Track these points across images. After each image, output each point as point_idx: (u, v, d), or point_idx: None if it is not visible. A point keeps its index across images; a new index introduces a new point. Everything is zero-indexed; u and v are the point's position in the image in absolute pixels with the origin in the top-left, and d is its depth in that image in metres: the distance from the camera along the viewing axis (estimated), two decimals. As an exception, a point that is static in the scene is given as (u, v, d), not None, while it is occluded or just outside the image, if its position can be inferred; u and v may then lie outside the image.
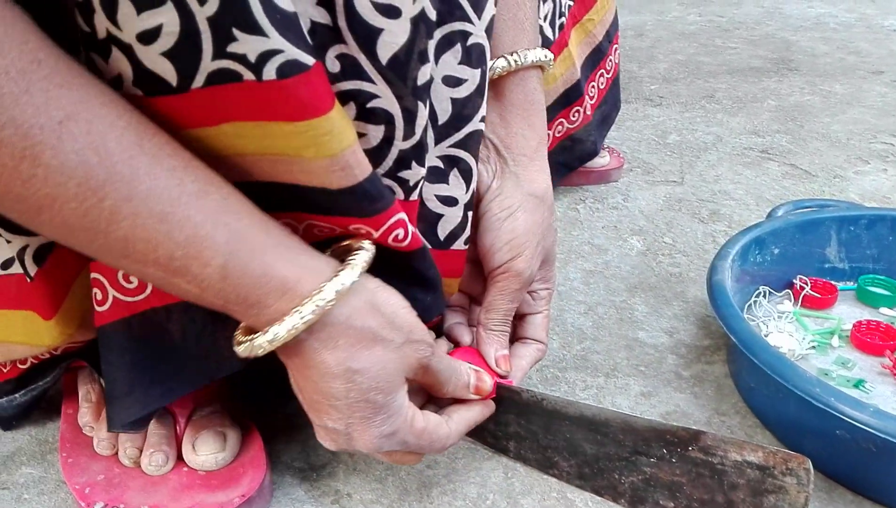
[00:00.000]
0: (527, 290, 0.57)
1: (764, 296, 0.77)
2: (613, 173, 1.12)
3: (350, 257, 0.42)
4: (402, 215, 0.45)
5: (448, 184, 0.52)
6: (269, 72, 0.35)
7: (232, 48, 0.34)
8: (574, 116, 1.00)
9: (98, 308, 0.47)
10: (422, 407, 0.51)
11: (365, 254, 0.43)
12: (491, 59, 0.51)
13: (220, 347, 0.47)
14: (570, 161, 1.04)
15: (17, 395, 0.59)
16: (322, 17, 0.39)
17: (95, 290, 0.47)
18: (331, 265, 0.42)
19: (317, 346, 0.42)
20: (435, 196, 0.52)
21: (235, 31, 0.34)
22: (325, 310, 0.40)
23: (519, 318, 0.60)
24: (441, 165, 0.51)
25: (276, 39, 0.35)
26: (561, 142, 1.01)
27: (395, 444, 0.47)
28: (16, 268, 0.48)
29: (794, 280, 0.78)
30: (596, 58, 1.04)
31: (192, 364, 0.49)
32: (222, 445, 0.56)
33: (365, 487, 0.58)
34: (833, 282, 0.79)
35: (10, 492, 0.58)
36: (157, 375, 0.49)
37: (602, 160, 1.11)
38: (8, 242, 0.47)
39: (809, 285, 0.78)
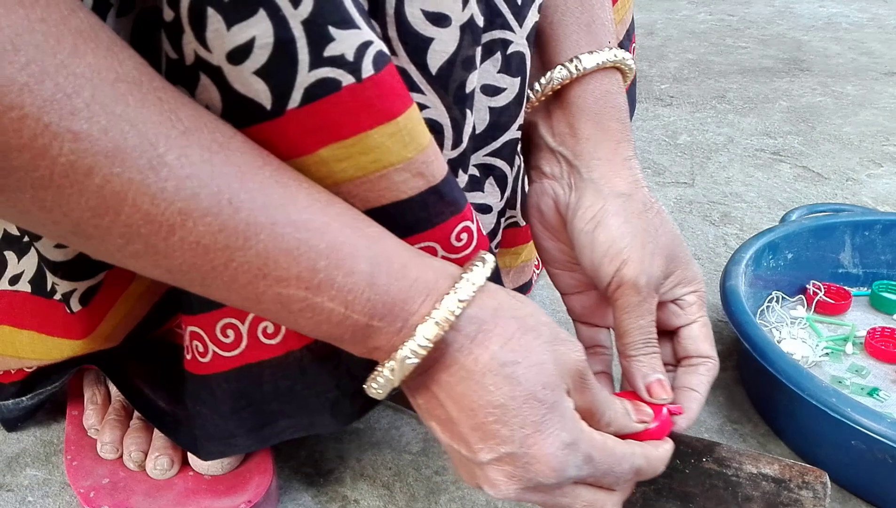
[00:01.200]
0: (653, 299, 0.49)
1: (777, 301, 0.76)
2: (623, 174, 1.11)
3: (470, 264, 0.39)
4: (470, 224, 0.43)
5: (483, 192, 0.51)
6: (367, 67, 0.34)
7: (330, 51, 0.33)
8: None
9: (201, 359, 0.46)
10: None
11: (490, 257, 0.40)
12: (551, 69, 0.49)
13: (311, 404, 0.46)
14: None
15: (23, 398, 0.59)
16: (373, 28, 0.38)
17: (196, 342, 0.45)
18: (457, 267, 0.39)
19: (465, 344, 0.37)
20: (470, 204, 0.51)
21: (332, 30, 0.33)
22: (471, 301, 0.37)
23: (672, 334, 0.52)
24: (477, 173, 0.50)
25: (366, 31, 0.34)
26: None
27: (580, 460, 0.39)
28: (56, 297, 0.49)
29: (808, 286, 0.78)
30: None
31: (284, 419, 0.47)
32: (229, 450, 0.55)
33: (372, 493, 0.57)
34: (847, 288, 0.78)
35: (15, 494, 0.57)
36: (254, 424, 0.47)
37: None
38: (55, 284, 0.47)
39: (823, 290, 0.77)
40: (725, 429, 0.63)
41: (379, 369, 0.37)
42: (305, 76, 0.33)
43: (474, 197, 0.51)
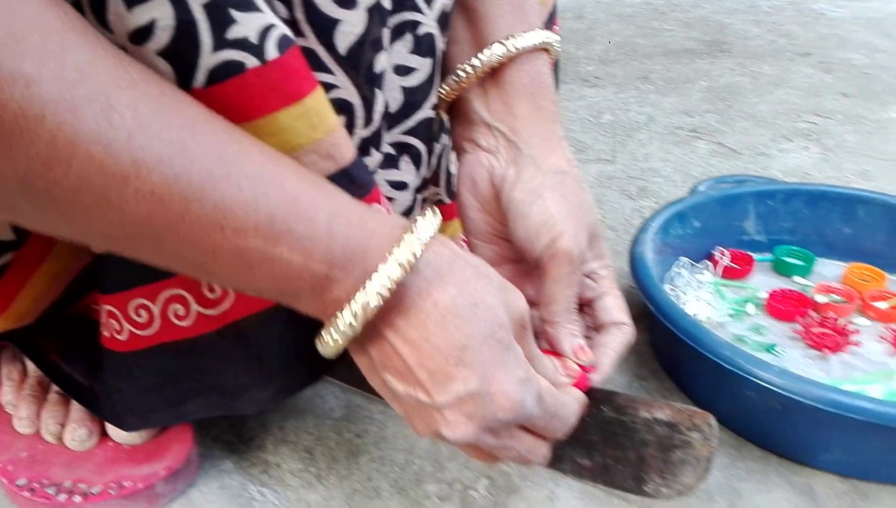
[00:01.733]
0: (580, 271, 0.51)
1: (685, 267, 0.80)
2: (548, 152, 1.14)
3: (423, 213, 0.40)
4: (384, 199, 0.45)
5: (399, 169, 0.52)
6: (271, 50, 0.35)
7: (232, 33, 0.34)
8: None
9: (117, 337, 0.46)
10: None
11: (437, 211, 0.40)
12: (487, 46, 0.50)
13: (226, 386, 0.47)
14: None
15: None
16: (279, 10, 0.39)
17: (112, 321, 0.46)
18: (406, 220, 0.39)
19: (425, 287, 0.37)
20: (386, 181, 0.52)
21: (234, 13, 0.33)
22: (428, 245, 0.37)
23: (587, 305, 0.54)
24: (392, 151, 0.52)
25: (268, 14, 0.35)
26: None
27: (532, 396, 0.40)
28: None
29: (714, 252, 0.82)
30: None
31: (201, 398, 0.48)
32: (148, 419, 0.56)
33: (294, 457, 0.59)
34: (751, 254, 0.83)
35: (-69, 472, 0.57)
36: (171, 401, 0.48)
37: (537, 139, 1.13)
38: None
39: (728, 256, 0.81)
40: (633, 385, 0.67)
41: (336, 319, 0.37)
42: (209, 58, 0.34)
43: (390, 174, 0.52)
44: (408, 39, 0.48)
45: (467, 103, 0.52)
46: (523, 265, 0.53)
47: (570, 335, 0.50)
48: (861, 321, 0.74)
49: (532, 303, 0.52)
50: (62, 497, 0.51)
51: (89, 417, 0.56)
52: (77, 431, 0.55)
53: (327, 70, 0.41)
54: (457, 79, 0.50)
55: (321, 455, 0.59)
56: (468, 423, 0.39)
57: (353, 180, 0.41)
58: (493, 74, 0.51)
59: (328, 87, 0.41)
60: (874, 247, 0.82)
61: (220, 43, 0.34)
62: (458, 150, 0.54)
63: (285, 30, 0.36)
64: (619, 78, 1.50)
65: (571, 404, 0.45)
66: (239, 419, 0.62)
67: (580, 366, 0.50)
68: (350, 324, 0.36)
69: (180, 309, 0.44)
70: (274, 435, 0.61)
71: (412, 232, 0.37)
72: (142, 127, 0.30)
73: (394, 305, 0.37)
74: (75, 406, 0.56)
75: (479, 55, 0.49)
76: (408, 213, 0.55)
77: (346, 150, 0.40)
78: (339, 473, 0.57)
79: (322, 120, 0.38)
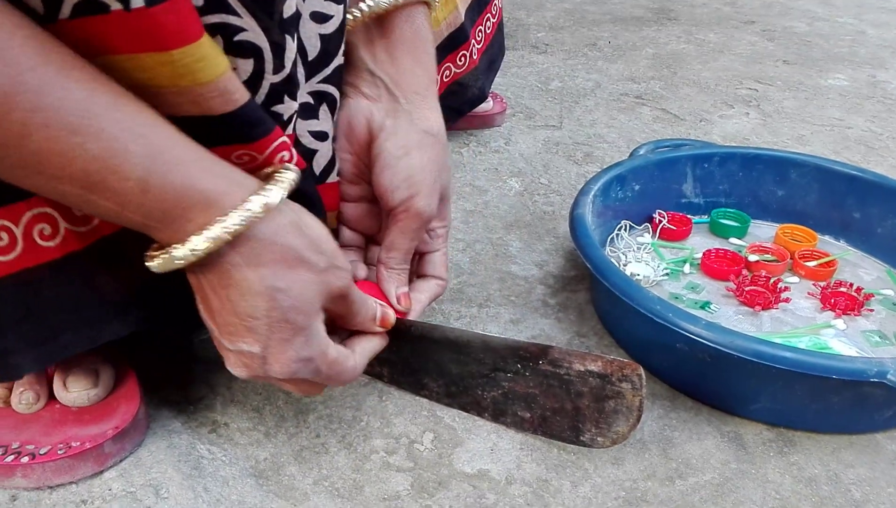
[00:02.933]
0: (426, 228, 0.56)
1: (625, 229, 0.82)
2: (496, 118, 1.15)
3: (277, 175, 0.42)
4: (285, 138, 0.46)
5: (318, 119, 0.53)
6: (137, 0, 0.35)
7: None
8: (461, 61, 1.02)
9: None
10: None
11: (291, 174, 0.43)
12: None
13: (96, 311, 0.47)
14: (460, 106, 1.07)
15: None
16: None
17: None
18: (256, 182, 0.42)
19: (239, 261, 0.41)
20: (308, 132, 0.53)
21: None
22: (251, 223, 0.40)
23: (418, 256, 0.60)
24: (311, 100, 0.52)
25: None
26: (449, 87, 1.03)
27: (309, 371, 0.46)
28: None
29: (654, 214, 0.84)
30: (482, 2, 1.06)
31: (71, 328, 0.48)
32: (94, 381, 0.56)
33: (242, 416, 0.60)
34: (689, 215, 0.85)
35: None
36: (38, 336, 0.47)
37: (486, 105, 1.14)
38: None
39: (667, 218, 0.84)
40: (574, 342, 0.69)
41: (153, 253, 0.41)
42: None
43: (311, 125, 0.53)
44: None
45: (353, 49, 0.54)
46: (377, 207, 0.58)
47: (398, 281, 0.56)
48: (791, 279, 0.78)
49: (372, 240, 0.62)
50: (10, 459, 0.52)
51: (36, 380, 0.56)
52: (25, 394, 0.55)
53: (234, 12, 0.41)
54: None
55: (269, 414, 0.60)
56: (243, 369, 0.46)
57: (226, 128, 0.42)
58: (379, 22, 0.53)
59: (235, 29, 0.42)
60: (806, 208, 0.86)
61: None
62: (342, 87, 0.55)
63: None
64: (567, 45, 1.52)
65: (350, 370, 0.50)
66: (187, 380, 0.63)
67: (396, 311, 0.55)
68: (159, 264, 0.41)
69: (46, 229, 0.44)
70: (222, 396, 0.62)
71: (245, 204, 0.40)
72: None
73: (209, 264, 0.41)
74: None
75: (367, 1, 0.51)
76: (332, 165, 0.56)
77: (217, 104, 0.41)
78: (287, 431, 0.59)
79: (191, 72, 0.39)
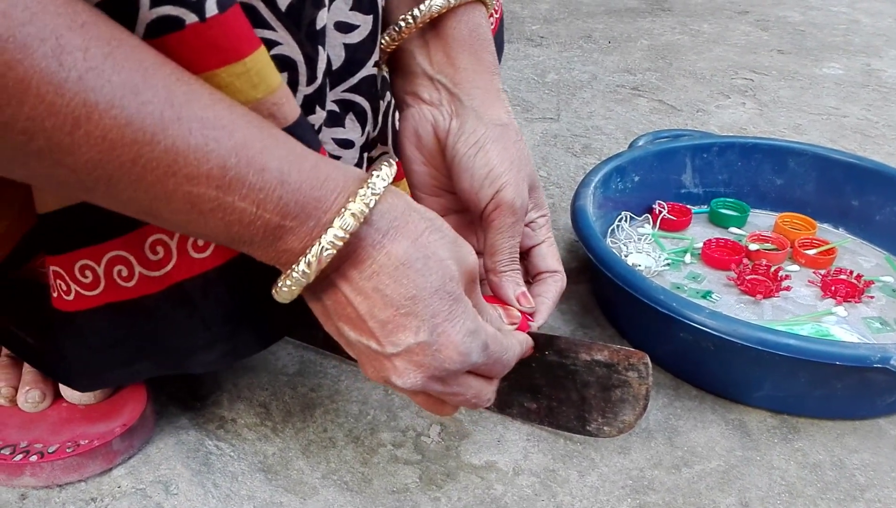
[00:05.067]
0: (523, 221, 0.53)
1: (626, 220, 0.82)
2: (494, 111, 1.15)
3: (377, 165, 0.40)
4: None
5: (344, 127, 0.53)
6: (211, 7, 0.35)
7: None
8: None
9: (66, 297, 0.46)
10: None
11: (393, 162, 0.41)
12: None
13: (175, 346, 0.48)
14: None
15: None
16: None
17: (59, 281, 0.46)
18: (361, 171, 0.40)
19: (379, 239, 0.38)
20: (332, 139, 0.53)
21: None
22: (381, 197, 0.38)
23: (524, 253, 0.56)
24: (337, 109, 0.52)
25: None
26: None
27: (479, 348, 0.42)
28: None
29: (654, 205, 0.85)
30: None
31: (152, 358, 0.49)
32: (102, 379, 0.56)
33: (250, 412, 0.60)
34: (688, 206, 0.86)
35: None
36: (123, 361, 0.49)
37: (483, 99, 1.14)
38: None
39: (667, 209, 0.84)
40: (577, 333, 0.70)
41: (294, 266, 0.38)
42: (147, 13, 0.34)
43: (336, 133, 0.53)
44: None
45: (408, 56, 0.53)
46: (467, 216, 0.55)
47: (513, 283, 0.52)
48: (792, 267, 0.78)
49: (476, 252, 0.54)
50: (18, 458, 0.52)
51: (42, 379, 0.56)
52: (31, 393, 0.55)
53: (269, 27, 0.42)
54: (397, 29, 0.51)
55: (276, 409, 0.60)
56: (417, 371, 0.41)
57: (299, 140, 0.41)
58: (433, 26, 0.52)
59: (270, 43, 0.42)
60: (804, 197, 0.86)
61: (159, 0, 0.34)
62: (400, 103, 0.55)
63: None
64: (563, 37, 1.52)
65: (514, 347, 0.47)
66: (193, 377, 0.63)
67: (521, 312, 0.52)
68: (304, 273, 0.37)
69: (124, 270, 0.45)
70: (229, 392, 0.62)
71: (367, 183, 0.38)
72: (93, 69, 0.30)
73: (347, 255, 0.38)
74: (27, 369, 0.56)
75: (420, 6, 0.50)
76: None
77: (288, 110, 0.40)
78: (294, 426, 0.59)
79: (263, 80, 0.38)
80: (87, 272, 0.45)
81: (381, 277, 0.39)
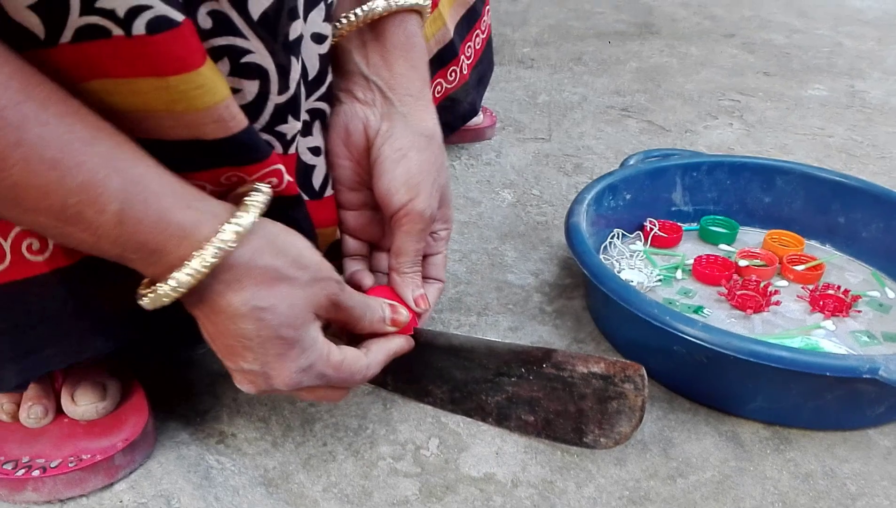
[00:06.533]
0: (430, 229, 0.57)
1: (618, 238, 0.84)
2: (487, 131, 1.17)
3: (246, 199, 0.43)
4: (280, 166, 0.47)
5: (313, 135, 0.55)
6: (139, 27, 0.36)
7: (100, 3, 0.35)
8: (451, 76, 1.03)
9: None
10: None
11: (261, 196, 0.44)
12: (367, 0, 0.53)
13: (80, 326, 0.48)
14: (452, 121, 1.08)
15: None
16: None
17: None
18: (227, 209, 0.43)
19: (221, 289, 0.42)
20: (307, 148, 0.54)
21: None
22: (227, 252, 0.41)
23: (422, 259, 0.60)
24: (308, 117, 0.54)
25: None
26: (441, 102, 1.05)
27: (313, 378, 0.48)
28: None
29: (645, 223, 0.86)
30: (471, 18, 1.07)
31: (55, 342, 0.48)
32: (102, 395, 0.57)
33: (249, 426, 0.61)
34: (679, 223, 0.87)
35: None
36: (21, 349, 0.48)
37: (477, 119, 1.16)
38: None
39: (658, 226, 0.85)
40: (572, 348, 0.71)
41: (143, 292, 0.43)
42: (76, 19, 0.35)
43: (307, 141, 0.54)
44: (321, 8, 0.50)
45: (346, 54, 0.55)
46: (380, 213, 0.58)
47: (413, 284, 0.57)
48: (781, 282, 0.80)
49: (377, 247, 0.62)
50: (20, 473, 0.52)
51: (44, 394, 0.56)
52: (33, 408, 0.56)
53: (241, 35, 0.42)
54: (338, 26, 0.53)
55: (276, 423, 0.61)
56: (249, 386, 0.48)
57: (217, 154, 0.43)
58: (372, 28, 0.54)
59: (241, 51, 0.43)
60: (792, 214, 0.88)
61: (89, 10, 0.35)
62: (332, 99, 0.56)
63: (164, 12, 0.37)
64: (553, 60, 1.54)
65: (365, 369, 0.52)
66: (192, 392, 0.64)
67: (412, 311, 0.56)
68: (153, 303, 0.43)
69: (35, 243, 0.45)
70: (228, 407, 0.62)
71: (218, 233, 0.41)
72: None
73: (195, 294, 0.42)
74: (30, 384, 0.57)
75: (362, 6, 0.52)
76: (328, 179, 0.57)
77: (210, 130, 0.41)
78: (294, 440, 0.59)
79: (187, 99, 0.39)
80: None
81: (222, 317, 0.44)
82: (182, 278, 0.40)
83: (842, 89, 1.43)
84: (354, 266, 0.60)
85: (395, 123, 0.55)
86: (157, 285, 0.41)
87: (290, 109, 0.48)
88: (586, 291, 0.78)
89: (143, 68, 0.38)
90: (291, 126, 0.49)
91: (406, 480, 0.56)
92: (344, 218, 0.60)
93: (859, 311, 0.76)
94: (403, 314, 0.55)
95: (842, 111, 1.32)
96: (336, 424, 0.61)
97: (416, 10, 0.55)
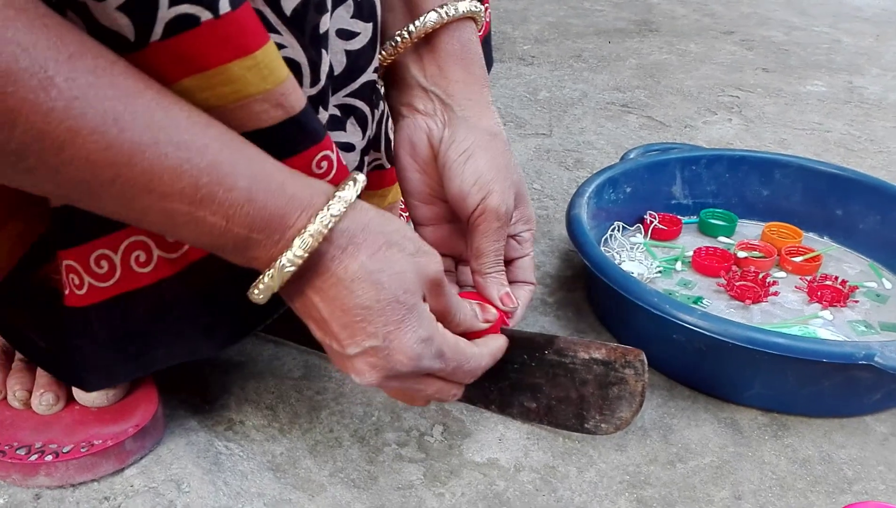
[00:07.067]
0: (508, 226, 0.56)
1: (618, 230, 0.85)
2: (488, 128, 1.18)
3: (347, 179, 0.44)
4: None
5: (345, 131, 0.55)
6: (224, 5, 0.37)
7: None
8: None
9: (77, 292, 0.48)
10: None
11: (360, 176, 0.44)
12: (422, 13, 0.53)
13: (185, 331, 0.50)
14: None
15: None
16: None
17: (72, 276, 0.48)
18: (331, 186, 0.44)
19: (337, 254, 0.42)
20: (334, 143, 0.55)
21: None
22: (341, 216, 0.41)
23: (507, 263, 0.59)
24: (338, 113, 0.55)
25: None
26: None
27: (433, 355, 0.46)
28: None
29: (645, 215, 0.87)
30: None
31: (164, 343, 0.51)
32: (113, 382, 0.58)
33: (257, 414, 0.62)
34: (678, 216, 0.88)
35: None
36: (132, 353, 0.51)
37: (477, 115, 1.17)
38: None
39: (658, 219, 0.86)
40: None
41: (261, 276, 0.42)
42: (166, 12, 0.36)
43: (337, 136, 0.55)
44: (349, 5, 0.51)
45: (404, 69, 0.56)
46: (459, 225, 0.58)
47: (497, 284, 0.56)
48: (779, 274, 0.81)
49: (462, 261, 0.60)
50: (34, 458, 0.53)
51: (55, 382, 0.58)
52: (45, 396, 0.57)
53: (275, 30, 0.44)
54: (393, 44, 0.54)
55: (283, 411, 0.62)
56: (372, 371, 0.46)
57: (303, 128, 0.44)
58: (427, 41, 0.55)
59: (277, 46, 0.44)
60: (790, 207, 0.89)
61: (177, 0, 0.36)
62: (395, 115, 0.58)
63: None
64: (553, 57, 1.55)
65: (480, 357, 0.51)
66: (202, 382, 0.65)
67: (500, 311, 0.55)
68: (269, 284, 0.42)
69: (142, 255, 0.47)
70: (236, 395, 0.64)
71: (327, 205, 0.41)
72: (77, 98, 0.33)
73: (310, 267, 0.42)
74: (41, 373, 0.58)
75: (416, 21, 0.53)
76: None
77: (294, 99, 0.43)
78: (301, 427, 0.61)
79: (272, 72, 0.41)
80: (103, 262, 0.47)
81: (339, 288, 0.43)
82: (307, 240, 0.40)
83: (840, 85, 1.44)
84: None
85: (458, 128, 0.55)
86: (278, 259, 0.41)
87: (320, 100, 0.49)
88: (587, 282, 0.79)
89: (232, 50, 0.39)
90: (321, 117, 0.50)
91: (411, 465, 0.57)
92: (423, 234, 0.60)
93: (857, 301, 0.77)
94: (492, 312, 0.54)
95: (840, 106, 1.34)
96: (342, 411, 0.62)
97: (471, 17, 0.55)
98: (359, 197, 0.44)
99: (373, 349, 0.44)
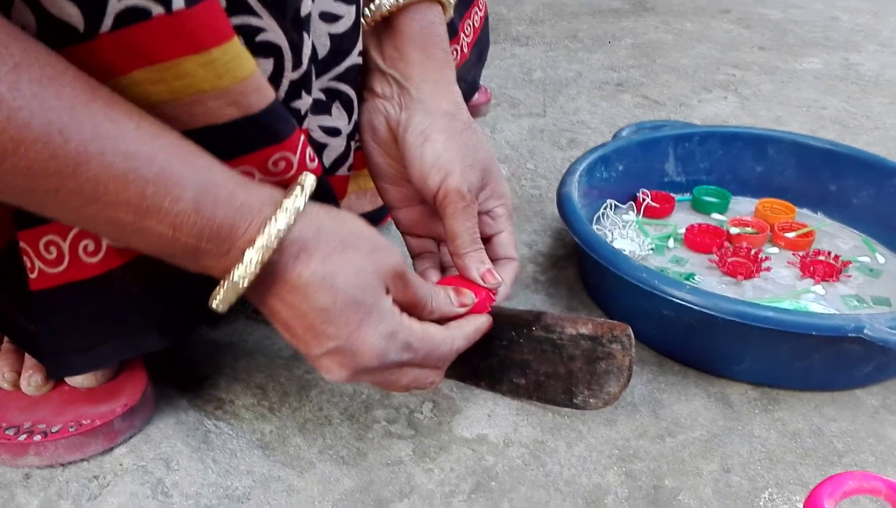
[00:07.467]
0: (475, 205, 0.55)
1: (611, 208, 0.85)
2: (482, 108, 1.18)
3: (295, 185, 0.44)
4: (303, 137, 0.48)
5: (331, 115, 0.55)
6: (178, 2, 0.37)
7: None
8: (453, 55, 1.04)
9: (31, 275, 0.48)
10: None
11: (310, 178, 0.44)
12: None
13: (135, 323, 0.50)
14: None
15: None
16: None
17: (25, 258, 0.48)
18: (280, 191, 0.43)
19: (290, 263, 0.42)
20: (319, 127, 0.55)
21: None
22: (289, 227, 0.41)
23: (486, 241, 0.58)
24: (323, 97, 0.54)
25: None
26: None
27: (399, 348, 0.46)
28: None
29: (638, 193, 0.87)
30: (469, -2, 1.08)
31: (114, 337, 0.51)
32: (102, 363, 0.58)
33: (247, 393, 0.62)
34: (671, 194, 0.88)
35: None
36: (84, 343, 0.51)
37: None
38: None
39: (650, 197, 0.86)
40: (564, 316, 0.72)
41: (217, 288, 0.42)
42: (115, 4, 0.36)
43: (323, 120, 0.55)
44: None
45: (365, 52, 0.55)
46: (430, 206, 0.57)
47: (476, 261, 0.55)
48: (772, 249, 0.81)
49: (442, 240, 0.59)
50: (22, 437, 0.53)
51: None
52: (33, 377, 0.57)
53: (255, 13, 0.43)
54: None
55: (273, 390, 0.62)
56: (340, 369, 0.46)
57: (262, 128, 0.44)
58: (386, 23, 0.54)
59: (256, 30, 0.43)
60: (784, 183, 0.88)
61: None
62: (358, 98, 0.57)
63: None
64: (548, 37, 1.54)
65: (451, 340, 0.50)
66: (191, 361, 0.65)
67: (485, 289, 0.54)
68: (226, 297, 0.42)
69: (90, 245, 0.46)
70: (226, 375, 0.64)
71: (275, 217, 0.41)
72: (21, 109, 0.33)
73: (264, 278, 0.42)
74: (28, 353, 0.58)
75: (371, 4, 0.53)
76: (342, 159, 0.58)
77: (255, 99, 0.43)
78: (291, 405, 0.61)
79: (229, 71, 0.40)
80: (52, 248, 0.47)
81: (296, 294, 0.43)
82: (254, 255, 0.40)
83: (837, 62, 1.43)
84: (421, 265, 0.60)
85: (414, 111, 0.54)
86: (230, 272, 0.41)
87: (303, 84, 0.49)
88: (579, 260, 0.79)
89: (186, 46, 0.38)
90: (304, 101, 0.50)
91: (400, 442, 0.57)
92: (396, 217, 0.60)
93: (850, 276, 0.76)
94: (469, 295, 0.53)
95: (836, 83, 1.33)
96: (332, 390, 0.62)
97: (436, 1, 0.55)
98: (313, 198, 0.44)
99: (337, 349, 0.45)
